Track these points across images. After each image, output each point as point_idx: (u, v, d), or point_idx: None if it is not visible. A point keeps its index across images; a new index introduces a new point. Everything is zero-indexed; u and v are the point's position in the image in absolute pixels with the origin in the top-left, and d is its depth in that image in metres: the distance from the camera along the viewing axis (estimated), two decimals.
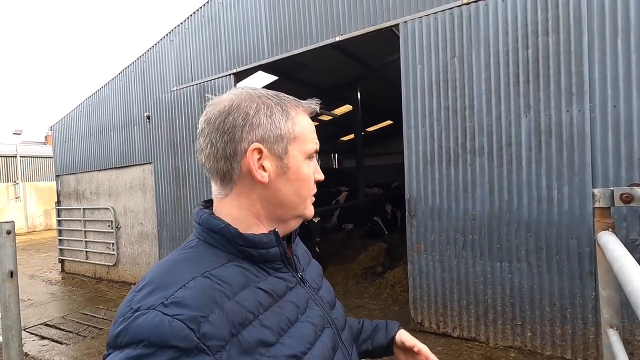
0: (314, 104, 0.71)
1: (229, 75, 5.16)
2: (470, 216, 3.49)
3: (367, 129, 14.87)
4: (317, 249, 6.36)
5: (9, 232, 3.11)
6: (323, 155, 18.39)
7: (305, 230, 6.58)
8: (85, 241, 7.49)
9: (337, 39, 4.24)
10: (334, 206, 8.97)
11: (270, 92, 0.69)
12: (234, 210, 0.66)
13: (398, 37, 6.37)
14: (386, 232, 8.57)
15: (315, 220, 6.71)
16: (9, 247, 3.11)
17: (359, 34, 4.11)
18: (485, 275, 3.44)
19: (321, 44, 4.39)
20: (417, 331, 3.82)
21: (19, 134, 14.79)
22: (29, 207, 15.75)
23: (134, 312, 0.51)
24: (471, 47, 3.44)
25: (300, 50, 4.52)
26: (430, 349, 1.00)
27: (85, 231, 7.50)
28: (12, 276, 3.15)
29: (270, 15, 4.77)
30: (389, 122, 15.00)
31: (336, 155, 19.49)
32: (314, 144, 0.71)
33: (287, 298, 0.66)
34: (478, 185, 3.45)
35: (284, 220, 0.70)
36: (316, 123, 12.94)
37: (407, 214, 3.87)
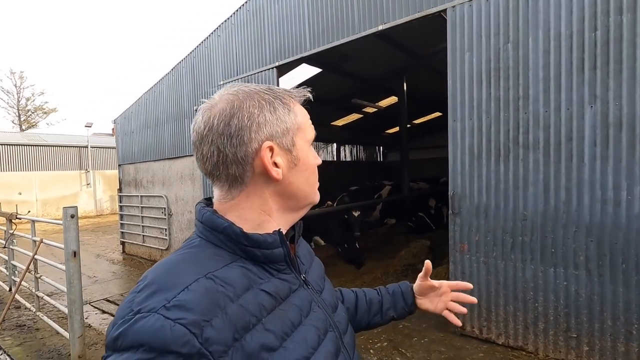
0: (305, 92, 0.70)
1: (272, 68, 5.23)
2: (521, 216, 3.22)
3: (413, 122, 14.33)
4: (356, 244, 6.31)
5: (72, 216, 3.44)
6: (367, 147, 18.12)
7: (345, 224, 6.55)
8: (142, 226, 8.12)
9: (380, 28, 4.09)
10: (375, 200, 8.80)
11: (263, 86, 0.67)
12: (244, 211, 0.65)
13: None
14: (434, 228, 8.26)
15: (355, 214, 6.64)
16: (72, 230, 3.44)
17: (403, 21, 3.92)
18: (537, 280, 3.16)
19: (363, 33, 4.26)
20: (458, 334, 3.64)
21: (90, 127, 16.39)
22: (98, 192, 17.46)
23: (135, 314, 0.50)
24: (527, 31, 3.12)
25: (342, 41, 4.43)
26: (472, 355, 0.96)
27: (142, 217, 8.13)
28: (75, 256, 3.49)
29: (313, 7, 4.73)
30: (437, 114, 14.34)
31: (381, 148, 19.10)
32: (312, 130, 0.71)
33: (290, 301, 0.64)
34: (531, 182, 3.16)
35: (296, 209, 0.70)
36: (360, 115, 12.74)
37: (450, 211, 3.67)
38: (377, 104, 10.85)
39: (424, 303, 1.05)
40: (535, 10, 3.07)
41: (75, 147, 17.14)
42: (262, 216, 0.65)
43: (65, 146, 16.92)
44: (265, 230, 0.64)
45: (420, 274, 1.02)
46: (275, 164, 0.63)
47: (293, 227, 0.74)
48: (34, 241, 4.29)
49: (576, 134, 2.93)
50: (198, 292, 0.52)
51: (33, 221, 4.37)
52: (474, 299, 1.05)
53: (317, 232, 6.76)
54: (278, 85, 5.24)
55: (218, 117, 0.61)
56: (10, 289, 5.31)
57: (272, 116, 0.63)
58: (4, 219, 5.14)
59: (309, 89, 0.70)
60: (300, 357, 0.59)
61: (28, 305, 4.70)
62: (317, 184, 0.72)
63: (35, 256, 4.07)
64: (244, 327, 0.54)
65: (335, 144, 15.90)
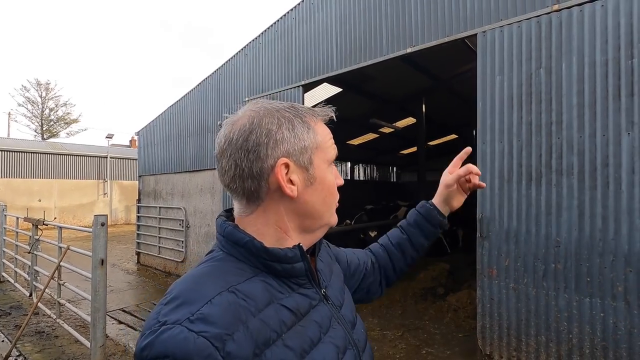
0: (329, 112, 0.70)
1: (298, 87, 5.34)
2: (554, 242, 3.14)
3: (429, 143, 14.34)
4: None
5: (102, 224, 3.49)
6: (381, 167, 18.11)
7: (363, 245, 6.48)
8: (159, 237, 8.18)
9: (409, 50, 4.17)
10: (393, 221, 8.71)
11: (286, 104, 0.68)
12: (261, 227, 0.65)
13: (469, 47, 6.10)
14: (449, 251, 8.10)
15: (372, 234, 6.58)
16: (102, 238, 3.49)
17: (432, 45, 3.99)
18: (570, 310, 3.05)
19: (391, 55, 4.34)
20: None
21: (111, 138, 16.85)
22: (114, 202, 17.75)
23: (161, 325, 0.51)
24: (561, 57, 3.14)
25: (369, 63, 4.52)
26: None
27: (159, 228, 8.20)
28: (102, 264, 3.52)
29: (341, 29, 4.86)
30: (453, 136, 14.34)
31: (394, 168, 19.07)
32: (334, 150, 0.71)
33: (310, 317, 0.64)
34: (565, 208, 3.10)
35: (312, 230, 0.70)
36: (376, 135, 12.81)
37: (478, 234, 3.61)
38: (394, 124, 10.92)
39: (453, 201, 1.04)
40: (569, 37, 3.10)
41: (95, 156, 17.58)
42: (279, 233, 0.66)
43: (86, 156, 17.37)
44: (285, 246, 0.65)
45: (454, 160, 1.02)
46: (291, 181, 0.64)
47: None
48: (60, 248, 4.35)
49: (613, 160, 2.89)
50: (221, 306, 0.54)
51: (60, 228, 4.44)
52: (483, 184, 1.05)
53: None
54: (303, 103, 5.34)
55: (238, 132, 0.63)
56: (30, 294, 5.36)
57: (290, 134, 0.64)
58: (29, 224, 5.25)
59: (333, 108, 0.71)
60: None
61: (48, 311, 4.73)
62: (336, 205, 0.72)
63: (60, 263, 4.12)
64: (265, 342, 0.55)
65: (349, 163, 15.96)
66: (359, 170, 16.66)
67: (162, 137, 8.29)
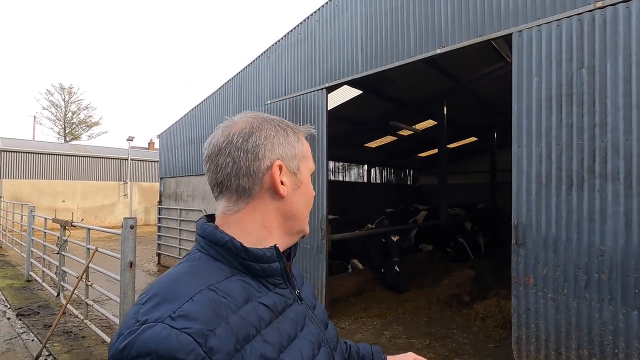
0: (311, 129, 0.79)
1: (322, 89, 5.29)
2: (598, 251, 2.98)
3: (447, 146, 14.11)
4: (396, 267, 6.10)
5: (132, 227, 3.50)
6: (398, 170, 17.90)
7: (384, 248, 6.37)
8: (180, 239, 8.25)
9: (438, 51, 4.07)
10: (416, 225, 8.57)
11: (276, 117, 0.75)
12: (248, 225, 0.69)
13: (493, 48, 5.94)
14: (472, 257, 7.90)
15: (394, 238, 6.46)
16: (131, 240, 3.50)
17: (463, 45, 3.88)
18: (616, 324, 2.88)
19: (419, 57, 4.25)
20: None
21: (132, 140, 17.20)
22: (133, 203, 18.08)
23: (141, 324, 0.51)
24: (605, 56, 2.99)
25: (396, 64, 4.44)
26: None
27: (180, 230, 8.27)
28: (131, 266, 3.53)
29: (366, 30, 4.79)
30: (472, 139, 14.05)
31: (411, 171, 18.82)
32: (313, 163, 0.78)
33: (286, 314, 0.67)
34: (610, 215, 2.94)
35: (292, 233, 0.74)
36: (394, 138, 12.66)
37: (513, 241, 3.46)
38: (413, 126, 10.76)
39: None
40: (614, 35, 2.95)
41: (116, 159, 17.97)
42: (263, 231, 0.69)
43: (107, 158, 17.77)
44: (264, 246, 0.67)
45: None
46: (282, 182, 0.69)
47: (289, 247, 0.77)
48: (88, 249, 4.41)
49: None
50: (202, 303, 0.55)
51: (88, 229, 4.50)
52: None
53: (355, 255, 6.60)
54: (327, 105, 5.28)
55: (238, 134, 0.68)
56: (57, 294, 5.46)
57: (285, 140, 0.71)
58: (56, 224, 5.35)
59: (313, 127, 0.80)
60: None
61: (75, 311, 4.79)
62: (308, 215, 0.77)
63: (88, 264, 4.16)
64: (245, 337, 0.56)
65: (366, 166, 15.83)
66: (375, 173, 16.50)
67: (183, 140, 8.37)
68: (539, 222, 3.31)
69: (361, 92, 7.74)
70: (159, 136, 9.29)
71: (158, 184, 9.30)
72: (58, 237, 5.29)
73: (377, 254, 6.25)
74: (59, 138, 36.25)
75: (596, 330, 2.97)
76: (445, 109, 9.15)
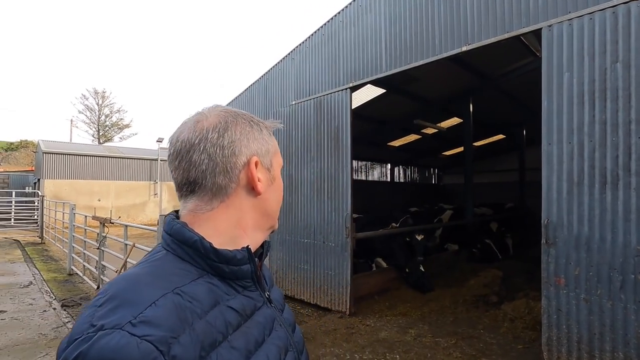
0: (277, 124, 0.76)
1: (346, 89, 5.35)
2: (634, 251, 2.88)
3: (472, 144, 13.80)
4: (421, 267, 6.07)
5: None
6: (421, 169, 17.66)
7: (409, 248, 6.35)
8: None
9: (464, 48, 4.03)
10: (442, 224, 8.47)
11: (245, 112, 0.73)
12: (221, 224, 0.65)
13: (522, 43, 5.78)
14: (500, 258, 7.73)
15: (419, 238, 6.42)
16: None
17: (490, 42, 3.83)
18: None
19: (444, 55, 4.23)
20: None
21: (161, 142, 17.92)
22: (163, 202, 18.81)
23: (97, 330, 0.47)
24: None
25: (421, 62, 4.43)
26: None
27: None
28: None
29: (390, 29, 4.81)
30: (500, 136, 13.66)
31: (436, 170, 18.51)
32: (281, 158, 0.78)
33: (255, 318, 0.65)
34: None
35: (264, 229, 0.73)
36: (418, 137, 12.51)
37: (543, 241, 3.40)
38: (438, 124, 10.61)
39: None
40: None
41: (147, 159, 18.75)
42: (237, 230, 0.67)
43: (138, 159, 18.57)
44: (236, 246, 0.65)
45: None
46: (258, 179, 0.68)
47: (262, 246, 0.75)
48: (126, 244, 4.68)
49: None
50: (166, 308, 0.51)
51: (125, 226, 4.78)
52: None
53: (379, 253, 6.62)
54: (351, 104, 5.34)
55: (212, 129, 0.65)
56: (97, 287, 5.81)
57: (260, 135, 0.70)
58: (96, 222, 5.69)
59: (280, 121, 0.77)
60: None
61: None
62: (278, 211, 0.76)
63: (127, 258, 4.42)
64: (211, 344, 0.54)
65: (389, 164, 15.73)
66: (398, 172, 16.36)
67: None
68: (570, 221, 3.23)
69: (384, 90, 7.73)
70: None
71: None
72: (97, 234, 5.63)
73: (401, 253, 6.24)
74: (93, 140, 38.11)
75: (632, 332, 2.88)
76: (471, 106, 8.98)
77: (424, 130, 11.68)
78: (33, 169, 23.38)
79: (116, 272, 4.51)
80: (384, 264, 6.52)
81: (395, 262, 6.38)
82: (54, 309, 5.35)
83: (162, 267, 0.59)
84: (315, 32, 5.94)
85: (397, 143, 13.15)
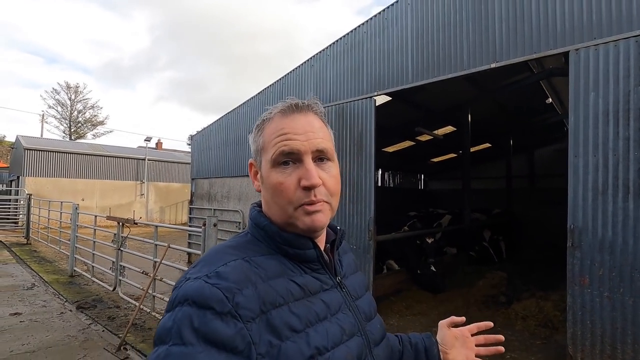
0: (290, 99, 0.75)
1: (370, 97, 5.56)
2: None
3: (469, 151, 14.40)
4: (432, 268, 6.35)
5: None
6: (408, 174, 18.17)
7: (420, 250, 6.63)
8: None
9: (492, 65, 4.35)
10: (438, 229, 8.83)
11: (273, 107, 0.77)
12: (267, 212, 0.75)
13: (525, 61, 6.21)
14: (496, 261, 8.17)
15: (429, 240, 6.72)
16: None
17: (518, 61, 4.16)
18: None
19: (472, 70, 4.53)
20: None
21: (149, 141, 17.47)
22: (149, 203, 18.31)
23: (186, 280, 0.63)
24: None
25: (450, 76, 4.71)
26: None
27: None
28: None
29: (417, 43, 5.07)
30: (486, 145, 14.33)
31: (422, 176, 19.09)
32: (273, 147, 0.71)
33: (319, 296, 0.70)
34: None
35: (290, 220, 0.71)
36: (412, 143, 12.93)
37: (569, 244, 3.73)
38: (434, 132, 11.05)
39: (455, 356, 0.96)
40: None
41: (134, 158, 18.20)
42: (279, 219, 0.72)
43: (125, 157, 18.00)
44: (296, 231, 0.71)
45: (443, 322, 1.02)
46: (254, 179, 0.78)
47: (335, 232, 0.81)
48: (156, 245, 4.65)
49: None
50: (234, 268, 0.63)
51: (156, 226, 4.75)
52: (501, 337, 1.00)
53: (391, 256, 6.86)
54: (375, 113, 5.55)
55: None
56: (114, 289, 5.69)
57: (252, 138, 0.78)
58: (92, 221, 5.58)
59: (294, 97, 0.77)
60: (320, 346, 0.64)
61: (135, 304, 5.02)
62: (304, 208, 0.69)
63: (161, 260, 4.41)
64: (272, 302, 0.62)
65: (380, 170, 16.09)
66: (388, 177, 16.76)
67: (218, 142, 8.62)
68: (595, 227, 3.57)
69: (390, 98, 8.02)
70: (192, 138, 9.53)
71: (174, 184, 9.54)
72: (115, 234, 5.53)
73: (414, 255, 6.51)
74: (64, 137, 36.31)
75: None
76: (469, 115, 9.44)
77: (419, 137, 12.11)
78: (7, 165, 22.08)
79: (142, 273, 4.47)
80: (396, 266, 6.76)
81: (407, 264, 6.64)
82: (70, 311, 5.21)
83: (241, 242, 0.72)
84: (337, 40, 6.13)
85: (390, 149, 13.52)
